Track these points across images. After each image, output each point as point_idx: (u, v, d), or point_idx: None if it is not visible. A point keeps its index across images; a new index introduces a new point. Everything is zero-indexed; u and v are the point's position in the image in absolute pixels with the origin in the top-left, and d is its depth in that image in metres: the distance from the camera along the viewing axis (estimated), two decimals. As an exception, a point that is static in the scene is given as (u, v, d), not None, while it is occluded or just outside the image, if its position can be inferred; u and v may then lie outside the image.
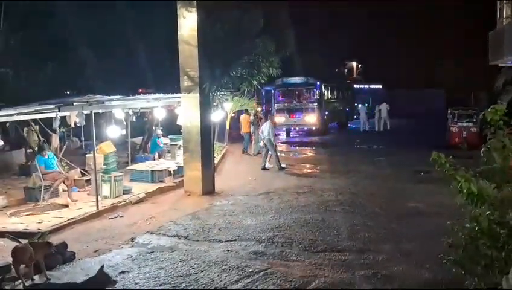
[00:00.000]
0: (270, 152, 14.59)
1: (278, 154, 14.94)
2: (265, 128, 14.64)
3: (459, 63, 33.78)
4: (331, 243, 7.31)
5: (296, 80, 24.41)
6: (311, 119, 23.78)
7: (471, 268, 4.16)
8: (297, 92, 24.36)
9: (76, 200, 10.07)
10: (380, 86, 36.54)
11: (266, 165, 14.46)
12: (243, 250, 7.08)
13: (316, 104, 23.98)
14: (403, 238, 7.60)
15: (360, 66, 40.72)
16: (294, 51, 18.08)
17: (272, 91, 24.71)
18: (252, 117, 18.26)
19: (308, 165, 15.22)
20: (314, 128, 24.14)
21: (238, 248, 7.19)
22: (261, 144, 15.28)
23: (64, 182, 10.28)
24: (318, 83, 24.40)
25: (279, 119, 22.57)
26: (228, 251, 7.07)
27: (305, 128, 24.68)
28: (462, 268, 4.24)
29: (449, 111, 19.24)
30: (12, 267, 5.90)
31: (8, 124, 13.82)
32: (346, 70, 39.69)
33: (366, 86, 35.48)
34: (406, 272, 6.13)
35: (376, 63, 37.29)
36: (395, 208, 9.53)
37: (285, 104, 24.15)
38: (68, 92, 11.36)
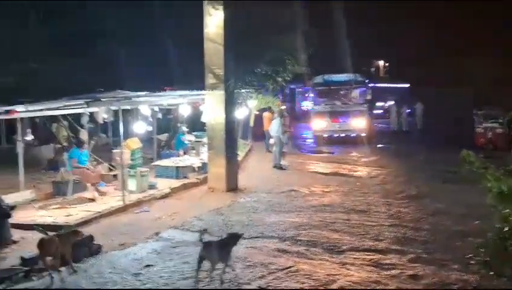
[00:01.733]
0: (283, 149, 14.48)
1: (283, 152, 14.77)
2: (274, 125, 14.57)
3: (489, 61, 32.90)
4: (356, 243, 7.22)
5: (341, 77, 20.76)
6: (359, 124, 19.67)
7: (500, 269, 4.04)
8: (342, 92, 20.60)
9: (104, 194, 10.24)
10: (408, 85, 35.97)
11: (282, 164, 14.38)
12: (266, 247, 7.04)
13: (365, 105, 20.15)
14: (429, 238, 7.45)
15: (386, 64, 40.15)
16: (320, 49, 17.96)
17: (309, 90, 21.99)
18: (275, 115, 18.19)
19: (334, 164, 15.09)
20: (363, 134, 19.79)
21: (262, 245, 7.16)
22: (271, 141, 15.20)
23: (90, 180, 10.46)
24: (368, 80, 20.95)
25: (319, 124, 19.85)
26: (251, 247, 7.04)
27: (352, 135, 19.97)
28: (491, 269, 4.13)
29: (475, 111, 18.90)
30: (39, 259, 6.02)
31: (37, 120, 14.15)
32: (373, 69, 39.23)
33: (393, 85, 34.99)
34: (433, 273, 6.00)
35: (403, 62, 36.68)
36: (421, 207, 9.37)
37: (327, 106, 20.07)
38: (102, 89, 11.55)
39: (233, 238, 5.89)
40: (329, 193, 10.82)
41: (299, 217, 8.72)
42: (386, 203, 9.72)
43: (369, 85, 20.65)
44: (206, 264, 5.69)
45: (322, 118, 19.83)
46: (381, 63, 40.04)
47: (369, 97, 20.42)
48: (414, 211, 9.12)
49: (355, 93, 20.44)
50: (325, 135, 19.79)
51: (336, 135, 19.80)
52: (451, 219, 8.43)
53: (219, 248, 5.65)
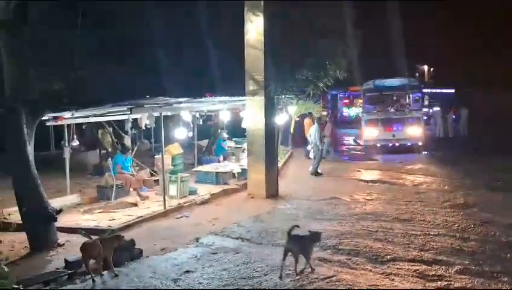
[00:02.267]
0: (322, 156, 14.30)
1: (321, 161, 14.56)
2: (313, 132, 14.40)
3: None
4: (400, 253, 6.96)
5: (394, 81, 19.41)
6: (415, 132, 18.24)
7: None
8: (395, 97, 19.12)
9: (145, 199, 10.41)
10: (453, 90, 34.86)
11: (319, 171, 14.17)
12: (307, 255, 6.91)
13: (421, 112, 18.83)
14: (477, 248, 7.10)
15: (431, 69, 39.09)
16: (362, 53, 17.59)
17: (358, 96, 20.88)
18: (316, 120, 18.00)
19: (377, 171, 14.75)
20: (419, 143, 18.28)
21: (302, 253, 7.03)
22: (309, 147, 14.96)
23: (132, 185, 10.67)
24: (423, 85, 19.37)
25: (370, 133, 18.44)
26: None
27: (408, 144, 18.36)
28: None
29: None
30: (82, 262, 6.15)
31: (84, 126, 14.59)
32: (417, 74, 38.27)
33: (439, 91, 34.00)
34: (481, 285, 5.70)
35: (448, 66, 35.56)
36: (468, 216, 8.96)
37: (379, 113, 18.56)
38: (148, 96, 11.80)
39: (315, 236, 6.35)
40: (371, 201, 10.54)
41: (340, 225, 8.53)
42: (431, 212, 9.35)
43: (423, 88, 19.03)
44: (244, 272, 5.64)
45: (374, 126, 18.35)
46: (425, 67, 39.01)
47: (426, 103, 19.78)
48: (461, 220, 8.72)
49: (410, 98, 19.04)
50: (378, 145, 18.21)
51: (390, 145, 18.27)
52: (500, 229, 8.02)
53: (302, 243, 6.12)
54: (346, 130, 26.83)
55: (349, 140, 23.91)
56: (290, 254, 6.02)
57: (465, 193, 11.12)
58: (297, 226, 6.35)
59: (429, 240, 7.54)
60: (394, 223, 8.57)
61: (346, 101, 33.25)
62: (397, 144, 18.31)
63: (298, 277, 5.92)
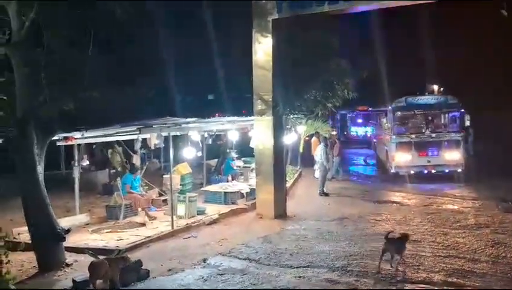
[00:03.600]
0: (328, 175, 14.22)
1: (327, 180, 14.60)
2: (319, 151, 14.36)
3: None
4: (409, 274, 6.87)
5: (429, 99, 17.45)
6: (454, 157, 15.98)
7: None
8: (430, 117, 16.83)
9: (154, 219, 10.41)
10: (462, 110, 34.60)
11: (325, 190, 14.12)
12: (315, 277, 6.84)
13: (459, 134, 16.33)
14: (488, 270, 6.98)
15: (441, 89, 38.93)
16: (371, 73, 17.62)
17: (389, 116, 17.50)
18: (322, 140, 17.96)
19: (386, 191, 14.63)
20: (459, 170, 15.99)
21: (311, 274, 6.97)
22: (316, 167, 14.88)
23: (140, 205, 10.69)
24: (461, 104, 17.01)
25: (402, 158, 16.05)
26: (300, 277, 6.87)
27: (446, 171, 16.14)
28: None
29: None
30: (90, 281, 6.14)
31: (94, 146, 14.73)
32: (426, 94, 38.09)
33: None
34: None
35: (457, 86, 35.31)
36: (479, 237, 8.81)
37: (411, 136, 16.24)
38: (163, 118, 11.91)
39: (405, 237, 7.36)
40: (381, 222, 10.44)
41: (349, 246, 8.44)
42: (441, 233, 9.23)
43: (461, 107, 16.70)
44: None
45: (407, 150, 16.02)
46: (435, 87, 38.86)
47: (467, 124, 16.90)
48: (472, 241, 8.59)
49: (448, 119, 16.87)
50: (412, 172, 15.96)
51: (425, 171, 16.00)
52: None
53: (397, 244, 7.20)
54: (356, 150, 26.74)
55: (358, 160, 23.77)
56: (387, 253, 7.12)
57: (475, 213, 10.99)
58: (392, 232, 7.68)
59: (439, 262, 7.44)
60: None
61: (354, 121, 32.89)
62: (433, 171, 16.05)
63: (394, 270, 6.97)
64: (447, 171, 16.07)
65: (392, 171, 16.24)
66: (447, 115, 16.84)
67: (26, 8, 7.46)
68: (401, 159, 16.04)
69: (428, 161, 15.98)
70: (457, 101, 16.73)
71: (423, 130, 16.35)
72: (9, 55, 7.62)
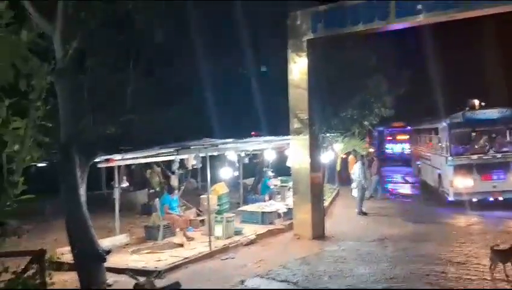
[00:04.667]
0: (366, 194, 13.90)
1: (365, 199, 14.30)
2: (356, 169, 14.09)
3: None
4: None
5: (492, 113, 14.76)
6: None
7: None
8: (494, 135, 14.60)
9: (191, 239, 10.48)
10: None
11: (364, 210, 13.83)
12: (355, 301, 6.69)
13: None
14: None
15: (482, 104, 37.75)
16: (409, 90, 17.27)
17: (443, 134, 15.10)
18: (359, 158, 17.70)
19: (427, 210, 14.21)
20: None
21: (350, 298, 6.82)
22: (353, 185, 14.61)
23: (179, 225, 10.80)
24: None
25: (462, 183, 13.76)
26: (339, 300, 6.73)
27: None
28: None
29: None
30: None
31: (133, 167, 15.05)
32: (467, 109, 36.98)
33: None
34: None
35: (501, 100, 34.00)
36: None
37: (472, 157, 14.03)
38: (201, 140, 12.10)
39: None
40: (422, 242, 10.11)
41: (389, 268, 8.22)
42: (486, 255, 8.83)
43: None
44: None
45: (467, 174, 13.76)
46: (476, 102, 37.68)
47: None
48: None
49: None
50: (474, 199, 13.67)
51: (491, 199, 13.67)
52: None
53: (504, 254, 7.61)
54: (393, 168, 26.13)
55: (396, 178, 23.18)
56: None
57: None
58: (498, 245, 7.96)
59: (485, 285, 7.14)
60: (447, 266, 8.18)
61: (390, 137, 31.39)
62: (500, 198, 13.63)
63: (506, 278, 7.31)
64: None
65: (450, 198, 14.05)
66: None
67: (70, 37, 7.77)
68: (462, 184, 13.75)
69: (494, 186, 13.64)
70: None
71: (486, 150, 14.15)
72: (54, 82, 7.93)
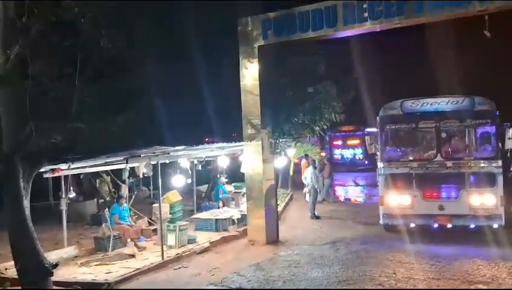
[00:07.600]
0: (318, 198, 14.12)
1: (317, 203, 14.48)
2: (308, 174, 14.31)
3: None
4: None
5: (442, 103, 10.36)
6: (485, 201, 9.82)
7: None
8: (445, 134, 10.64)
9: (143, 250, 10.24)
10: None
11: (316, 213, 14.06)
12: (309, 305, 6.74)
13: (496, 163, 9.86)
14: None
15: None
16: (358, 94, 17.68)
17: (377, 131, 11.10)
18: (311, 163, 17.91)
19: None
20: (494, 224, 9.76)
21: (304, 302, 6.87)
22: (305, 190, 14.84)
23: (129, 235, 10.53)
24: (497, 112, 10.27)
25: (395, 201, 10.34)
26: (293, 305, 6.76)
27: (471, 226, 9.95)
28: None
29: None
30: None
31: (82, 176, 14.55)
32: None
33: None
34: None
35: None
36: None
37: (412, 164, 10.44)
38: (151, 148, 11.83)
39: None
40: (373, 244, 10.34)
41: (342, 270, 8.36)
42: (446, 258, 9.18)
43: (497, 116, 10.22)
44: None
45: (403, 188, 10.28)
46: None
47: (509, 145, 10.34)
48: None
49: (476, 136, 11.07)
50: (412, 225, 10.28)
51: (435, 225, 10.14)
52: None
53: None
54: (344, 175, 24.34)
55: (347, 182, 23.32)
56: None
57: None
58: None
59: (439, 285, 7.39)
60: (397, 267, 8.40)
61: (338, 142, 28.90)
62: (449, 225, 10.07)
63: None
64: (472, 226, 9.95)
65: (380, 221, 10.73)
66: (473, 131, 10.97)
67: (11, 41, 7.43)
68: (394, 202, 10.31)
69: (441, 208, 9.99)
70: (491, 107, 10.23)
71: (432, 156, 10.37)
72: (-6, 89, 7.55)
